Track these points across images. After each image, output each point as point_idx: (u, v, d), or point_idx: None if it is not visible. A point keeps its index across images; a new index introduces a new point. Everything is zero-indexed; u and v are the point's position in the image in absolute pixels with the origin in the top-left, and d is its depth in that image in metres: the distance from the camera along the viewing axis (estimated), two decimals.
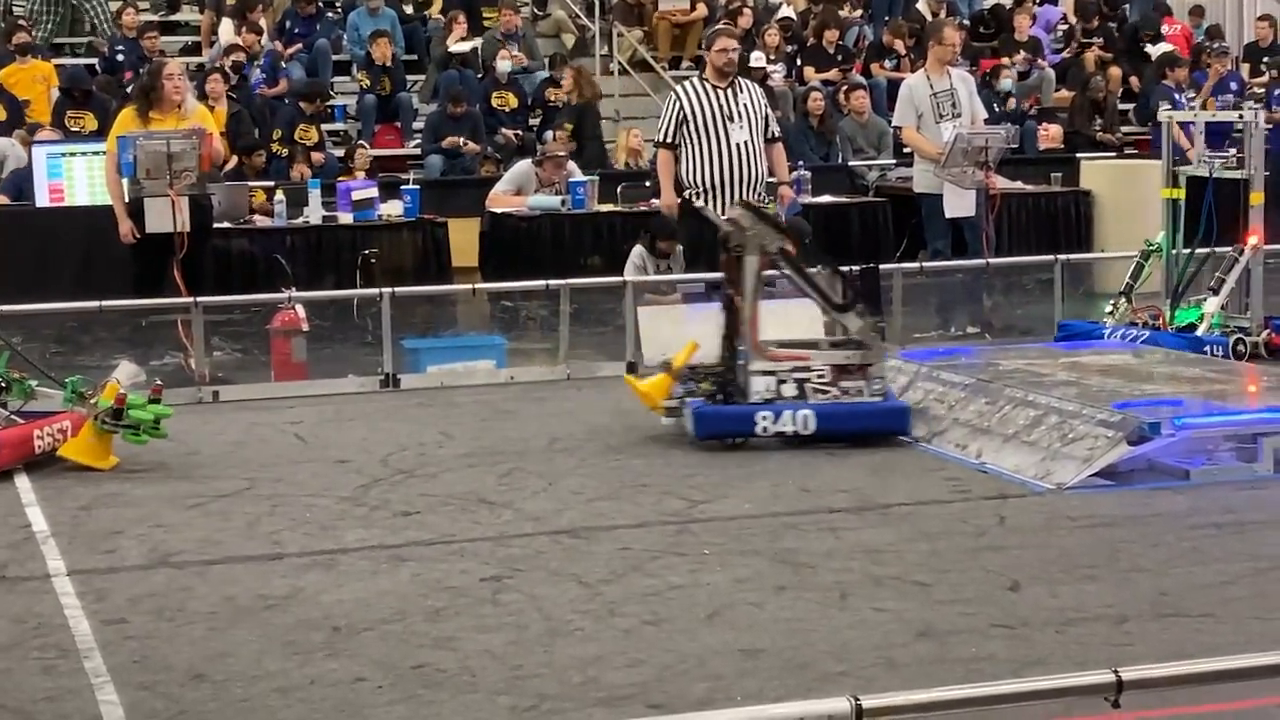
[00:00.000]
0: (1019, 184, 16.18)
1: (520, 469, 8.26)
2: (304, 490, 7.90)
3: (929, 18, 20.05)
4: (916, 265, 12.62)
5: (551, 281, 11.39)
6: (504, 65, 18.32)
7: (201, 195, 11.54)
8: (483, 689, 5.21)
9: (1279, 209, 11.95)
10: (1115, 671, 3.64)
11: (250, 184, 14.97)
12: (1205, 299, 10.73)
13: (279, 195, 14.44)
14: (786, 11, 21.19)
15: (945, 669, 5.29)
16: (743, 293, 8.79)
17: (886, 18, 21.25)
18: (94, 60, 18.49)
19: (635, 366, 10.92)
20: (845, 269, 9.02)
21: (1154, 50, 20.44)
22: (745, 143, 11.58)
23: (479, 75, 18.62)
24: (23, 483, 8.12)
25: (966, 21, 21.07)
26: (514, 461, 8.43)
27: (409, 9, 20.09)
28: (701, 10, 20.54)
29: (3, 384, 8.69)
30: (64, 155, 14.48)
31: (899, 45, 19.90)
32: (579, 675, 5.31)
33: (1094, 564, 6.48)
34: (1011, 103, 18.90)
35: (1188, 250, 10.89)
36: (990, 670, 5.24)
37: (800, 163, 15.87)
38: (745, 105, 11.66)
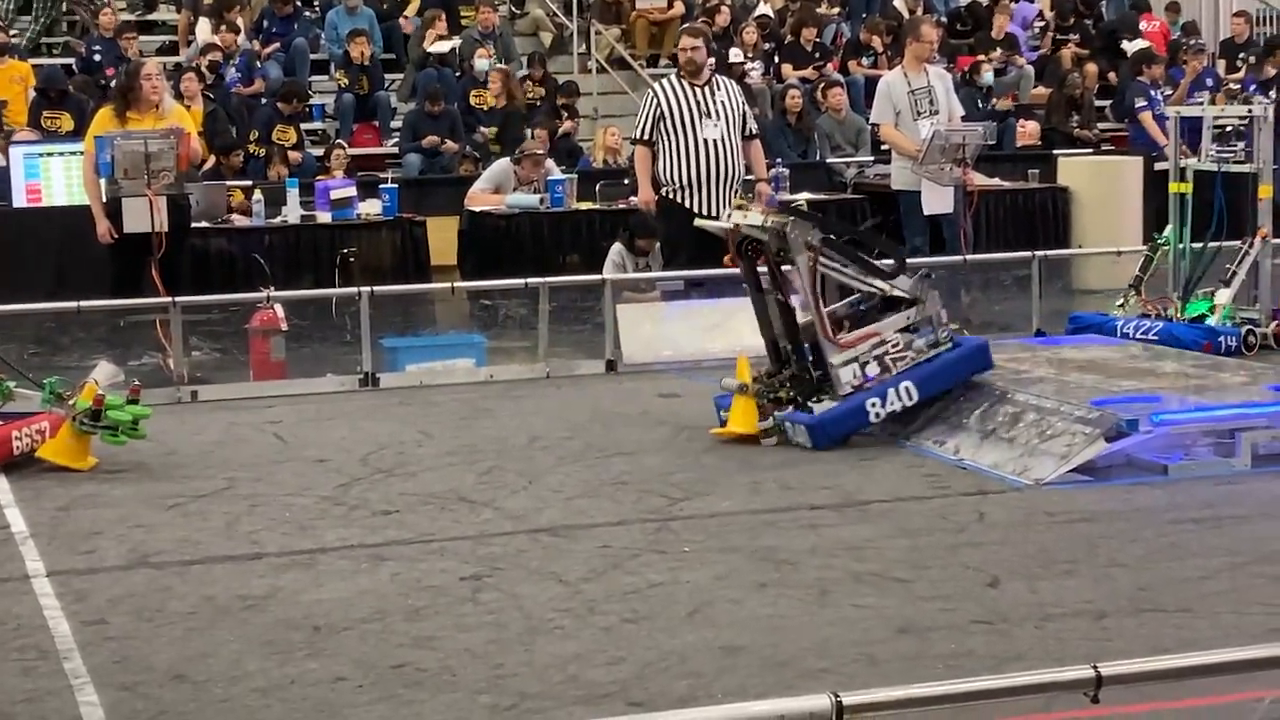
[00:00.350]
0: (996, 181, 16.21)
1: (500, 467, 8.26)
2: (283, 490, 7.89)
3: (906, 15, 20.07)
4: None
5: (530, 280, 11.38)
6: (482, 64, 18.30)
7: (179, 195, 11.53)
8: (463, 688, 5.20)
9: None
10: (1094, 667, 3.65)
11: (228, 183, 14.93)
12: (1215, 291, 10.81)
13: (257, 195, 14.42)
14: (764, 9, 21.20)
15: (925, 665, 5.30)
16: (787, 294, 8.77)
17: (864, 15, 21.29)
18: (71, 60, 18.43)
19: (614, 364, 10.93)
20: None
21: (1130, 47, 20.48)
22: (718, 140, 11.61)
23: (457, 74, 18.60)
24: (1, 484, 8.09)
25: (944, 19, 21.10)
26: (493, 460, 8.42)
27: (385, 6, 20.05)
28: (679, 8, 20.55)
29: None
30: (41, 155, 14.44)
31: (876, 43, 19.93)
32: (559, 673, 5.31)
33: (1073, 559, 6.50)
34: (994, 100, 18.96)
35: (1197, 244, 10.96)
36: (970, 666, 5.26)
37: (778, 160, 15.88)
38: (722, 102, 11.68)
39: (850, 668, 5.30)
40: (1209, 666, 3.90)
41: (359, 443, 8.88)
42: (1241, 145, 10.87)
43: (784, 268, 8.81)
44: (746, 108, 12.08)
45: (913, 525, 7.04)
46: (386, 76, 18.99)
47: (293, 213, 14.26)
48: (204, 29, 18.74)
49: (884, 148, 14.68)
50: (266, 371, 10.67)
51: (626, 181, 14.61)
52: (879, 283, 8.80)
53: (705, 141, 11.60)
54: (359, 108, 18.24)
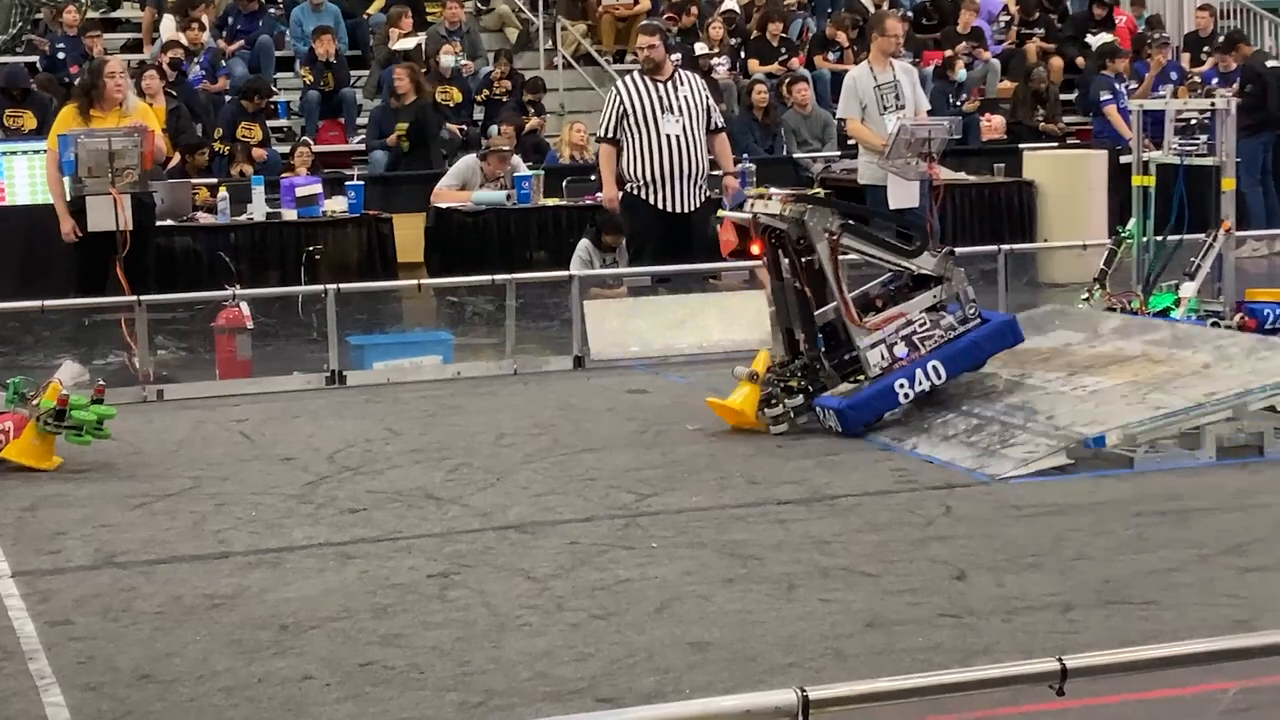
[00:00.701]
0: (962, 175, 16.23)
1: (467, 464, 8.25)
2: (250, 488, 7.86)
3: (872, 10, 20.09)
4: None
5: (497, 276, 11.37)
6: (448, 60, 18.26)
7: (144, 193, 11.50)
8: (430, 686, 5.20)
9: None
10: (1059, 659, 3.66)
11: (193, 181, 14.88)
12: (1178, 284, 10.83)
13: (222, 192, 14.36)
14: (730, 4, 21.20)
15: (893, 659, 5.32)
16: (805, 282, 8.78)
17: (829, 10, 21.29)
18: (35, 58, 18.33)
19: (582, 361, 10.93)
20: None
21: (1094, 40, 20.54)
22: (679, 135, 11.61)
23: (423, 70, 18.54)
24: None
25: (909, 13, 21.13)
26: (461, 457, 8.41)
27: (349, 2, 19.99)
28: (645, 3, 20.53)
29: None
30: (4, 154, 14.36)
31: (842, 37, 19.94)
32: (527, 670, 5.31)
33: (1039, 552, 6.52)
34: (964, 96, 19.01)
35: (1159, 238, 10.98)
36: (937, 660, 5.27)
37: (745, 155, 15.88)
38: (685, 98, 11.70)
39: (818, 662, 5.32)
40: (1174, 658, 3.91)
41: (326, 441, 8.86)
42: (1204, 139, 10.90)
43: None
44: (711, 102, 12.09)
45: (880, 520, 7.05)
46: (352, 73, 18.93)
47: (258, 210, 14.21)
48: (168, 26, 18.65)
49: (850, 142, 14.69)
50: (232, 370, 10.64)
51: (593, 177, 14.59)
52: (904, 263, 8.85)
53: (668, 137, 11.61)
54: (324, 104, 18.18)
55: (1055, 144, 18.42)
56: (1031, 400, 8.52)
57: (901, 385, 8.56)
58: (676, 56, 14.43)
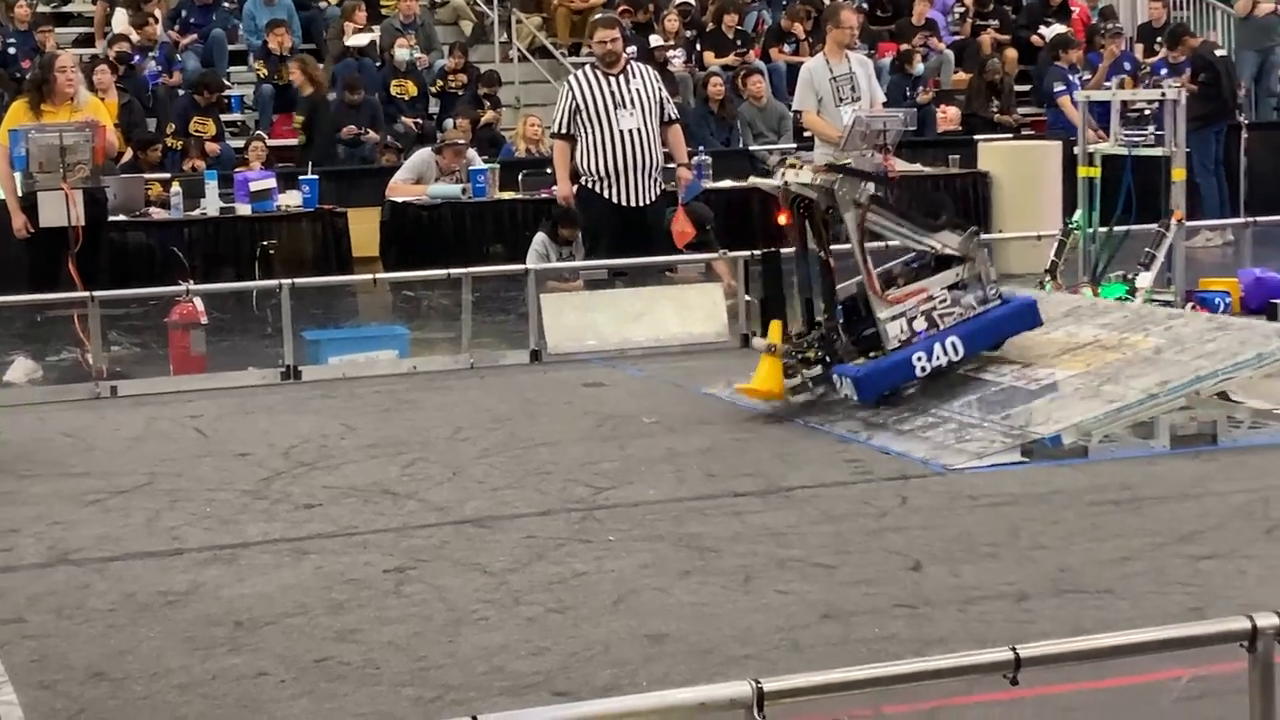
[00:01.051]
0: (918, 166, 16.27)
1: (423, 459, 8.23)
2: (204, 484, 7.83)
3: (827, 1, 20.10)
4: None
5: (453, 270, 11.34)
6: (402, 54, 18.21)
7: (96, 188, 11.44)
8: (386, 681, 5.18)
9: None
10: (1014, 649, 3.66)
11: (146, 176, 14.81)
12: (1125, 274, 10.87)
13: (175, 187, 14.31)
14: None
15: (848, 650, 5.32)
16: (829, 253, 8.81)
17: (785, 2, 21.31)
18: None
19: (539, 354, 10.91)
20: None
21: (1047, 32, 20.61)
22: (636, 129, 11.60)
23: (378, 64, 18.50)
24: None
25: (864, 4, 21.16)
26: (417, 452, 8.39)
27: None
28: None
29: None
30: None
31: (798, 29, 19.97)
32: (484, 665, 5.30)
33: (995, 542, 6.53)
34: (920, 89, 19.06)
35: (1105, 229, 11.02)
36: (893, 650, 5.28)
37: (701, 147, 15.90)
38: (638, 90, 11.68)
39: (774, 653, 5.32)
40: (1127, 646, 3.92)
41: (281, 436, 8.82)
42: (1152, 129, 10.94)
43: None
44: (664, 93, 12.08)
45: (836, 511, 7.06)
46: None
47: (212, 205, 14.16)
48: (120, 20, 18.55)
49: (806, 134, 14.70)
50: (186, 365, 10.58)
51: (549, 171, 14.58)
52: (929, 239, 8.89)
53: (623, 132, 11.59)
54: (278, 99, 18.11)
55: (1010, 135, 18.50)
56: (987, 397, 8.55)
57: (919, 358, 8.61)
58: (632, 49, 14.43)
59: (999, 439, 7.94)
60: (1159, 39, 20.20)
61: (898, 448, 8.09)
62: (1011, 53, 20.43)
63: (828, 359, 8.75)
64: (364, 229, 14.75)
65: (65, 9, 20.31)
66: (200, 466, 8.22)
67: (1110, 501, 7.10)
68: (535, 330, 10.97)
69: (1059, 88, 18.18)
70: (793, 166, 9.10)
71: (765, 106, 17.89)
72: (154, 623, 5.81)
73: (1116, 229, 10.83)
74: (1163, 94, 11.03)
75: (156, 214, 14.12)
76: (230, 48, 18.92)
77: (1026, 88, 20.42)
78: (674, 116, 12.08)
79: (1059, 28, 20.57)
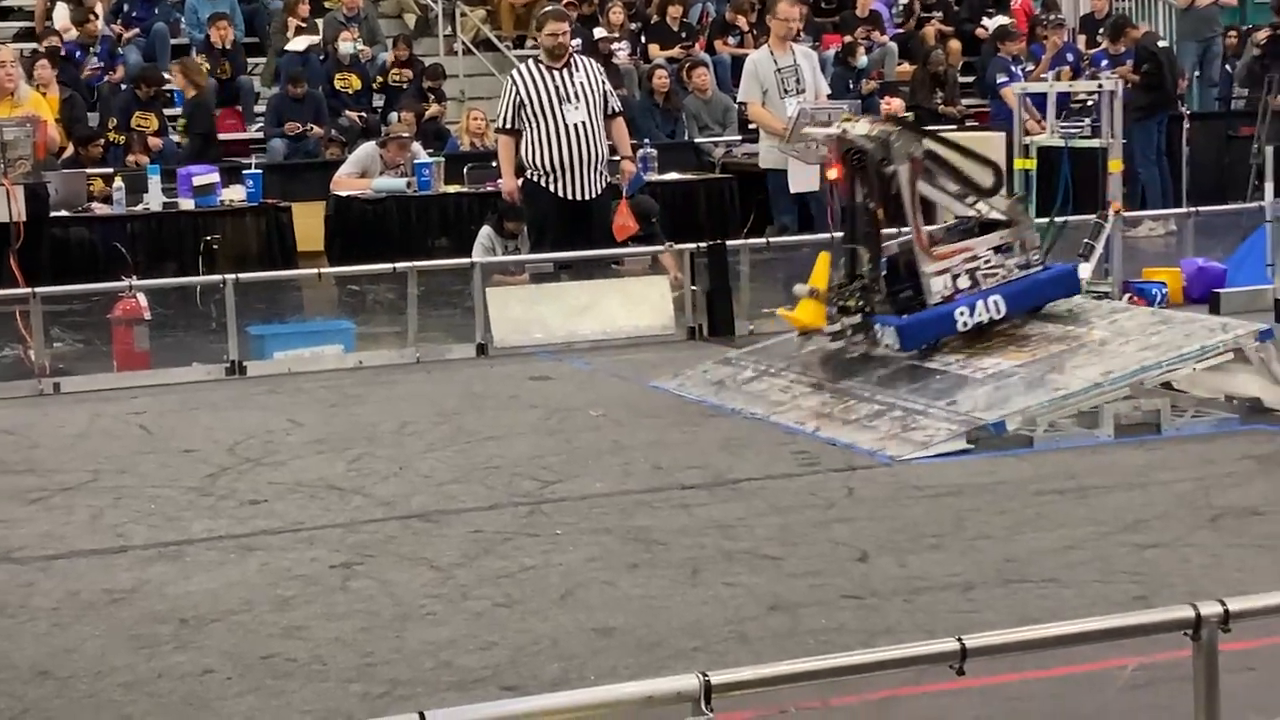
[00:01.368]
0: None
1: (370, 454, 8.20)
2: (149, 481, 7.78)
3: None
4: (763, 240, 12.69)
5: (399, 264, 11.30)
6: (346, 47, 18.13)
7: (37, 184, 11.36)
8: (333, 677, 5.16)
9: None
10: (959, 639, 3.68)
11: (88, 171, 14.69)
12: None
13: (118, 182, 14.19)
14: None
15: (796, 641, 5.34)
16: (882, 203, 8.90)
17: None
18: None
19: (485, 348, 10.89)
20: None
21: (990, 23, 20.70)
22: (583, 123, 11.57)
23: (321, 57, 18.42)
24: None
25: None
26: (363, 447, 8.36)
27: None
28: None
29: None
30: None
31: (742, 21, 19.98)
32: (431, 660, 5.29)
33: (941, 533, 6.56)
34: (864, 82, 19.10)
35: (1045, 220, 11.07)
36: (840, 641, 5.29)
37: (646, 140, 15.90)
38: (582, 84, 11.65)
39: (722, 646, 5.32)
40: (1072, 636, 3.95)
41: (226, 432, 8.78)
42: (1089, 121, 10.99)
43: None
44: (608, 86, 12.06)
45: (783, 503, 7.08)
46: (249, 61, 18.77)
47: (155, 200, 14.05)
48: (61, 14, 18.40)
49: (751, 127, 14.73)
50: (130, 362, 10.52)
51: (494, 164, 14.53)
52: (977, 201, 8.99)
53: (570, 126, 11.56)
54: (221, 93, 18.00)
55: (954, 126, 18.53)
56: (932, 385, 8.57)
57: (962, 313, 8.75)
58: (576, 42, 14.40)
59: (945, 426, 7.97)
60: (1101, 30, 20.30)
61: (844, 438, 8.11)
62: (955, 44, 20.48)
63: (867, 309, 8.84)
64: (309, 223, 14.67)
65: (5, 3, 20.12)
66: (144, 463, 8.17)
67: (1055, 491, 7.14)
68: (481, 324, 10.95)
69: (1001, 79, 18.26)
70: (848, 120, 9.29)
71: (710, 99, 17.89)
72: (98, 621, 5.78)
73: (1056, 220, 10.88)
74: (1099, 85, 11.09)
75: (99, 209, 14.01)
76: (173, 42, 18.77)
77: (970, 79, 20.48)
78: (617, 109, 12.07)
79: (1001, 19, 20.67)
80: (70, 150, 15.31)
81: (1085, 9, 22.49)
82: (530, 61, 12.12)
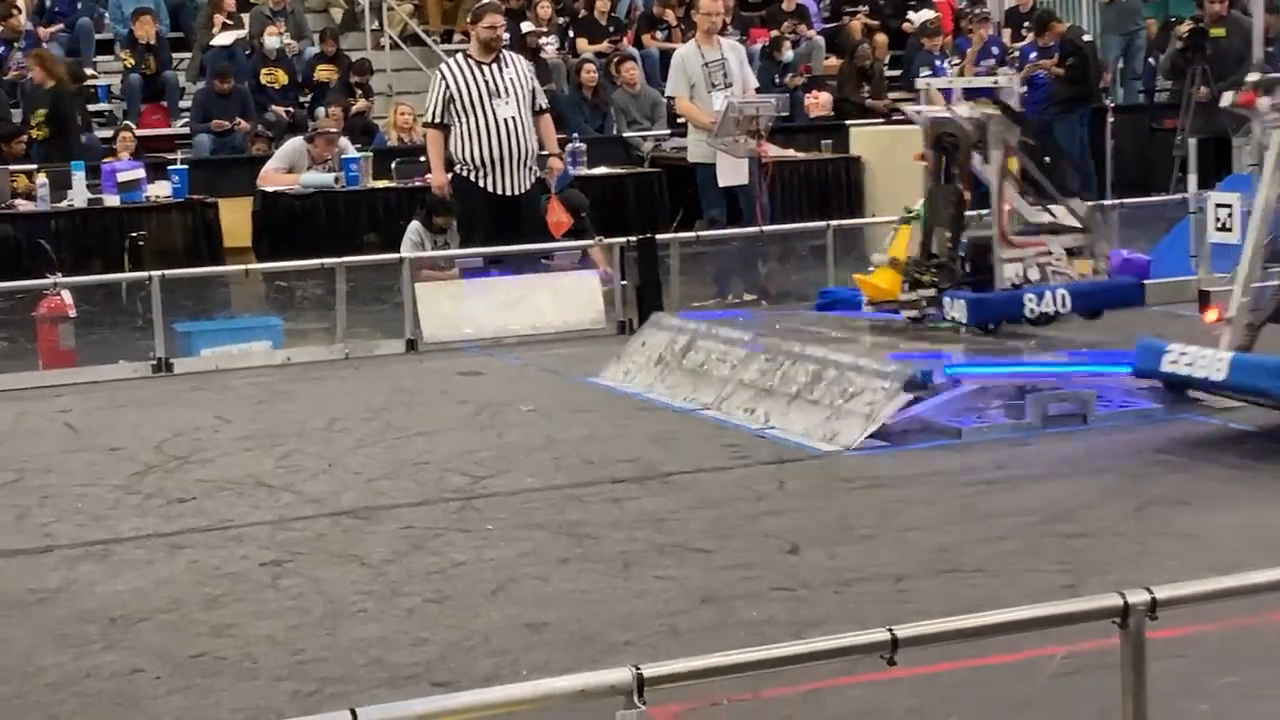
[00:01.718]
0: (791, 151, 16.35)
1: (299, 451, 8.16)
2: (75, 480, 7.71)
3: None
4: (693, 234, 12.71)
5: (327, 260, 11.25)
6: (272, 42, 18.01)
7: None
8: (264, 675, 5.14)
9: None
10: (890, 630, 3.70)
11: (11, 168, 14.54)
12: None
13: (41, 178, 14.06)
14: None
15: (728, 633, 5.35)
16: (969, 184, 9.08)
17: None
18: None
19: (415, 344, 10.85)
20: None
21: (915, 17, 20.78)
22: (512, 118, 11.55)
23: (247, 52, 18.29)
24: None
25: None
26: (292, 443, 8.32)
27: None
28: None
29: None
30: None
31: (670, 16, 19.99)
32: (362, 657, 5.27)
33: (871, 524, 6.59)
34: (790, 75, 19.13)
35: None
36: (772, 633, 5.31)
37: (575, 135, 15.87)
38: (511, 79, 11.63)
39: (654, 639, 5.33)
40: (1002, 625, 3.97)
41: (153, 430, 8.71)
42: None
43: None
44: (535, 83, 12.04)
45: (714, 495, 7.09)
46: (174, 55, 18.61)
47: (79, 197, 13.94)
48: None
49: (680, 121, 14.72)
50: (55, 360, 10.42)
51: (423, 159, 14.49)
52: (1058, 200, 9.19)
53: (500, 121, 11.53)
54: (146, 88, 17.85)
55: (881, 120, 18.62)
56: (863, 347, 8.82)
57: (1030, 299, 8.93)
58: (505, 36, 14.36)
59: (879, 384, 7.98)
60: (1026, 24, 20.43)
61: (793, 426, 8.11)
62: (881, 38, 20.56)
63: (939, 285, 9.00)
64: (236, 219, 14.59)
65: None
66: (71, 462, 8.10)
67: (984, 482, 7.19)
68: (411, 319, 10.91)
69: (925, 73, 18.31)
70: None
71: (639, 93, 17.90)
72: (25, 621, 5.73)
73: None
74: (995, 82, 11.10)
75: (23, 206, 13.88)
76: (98, 37, 18.62)
77: (897, 73, 20.56)
78: (544, 105, 12.05)
79: (927, 13, 20.74)
80: None
81: (1010, 2, 22.61)
82: (459, 56, 12.08)
